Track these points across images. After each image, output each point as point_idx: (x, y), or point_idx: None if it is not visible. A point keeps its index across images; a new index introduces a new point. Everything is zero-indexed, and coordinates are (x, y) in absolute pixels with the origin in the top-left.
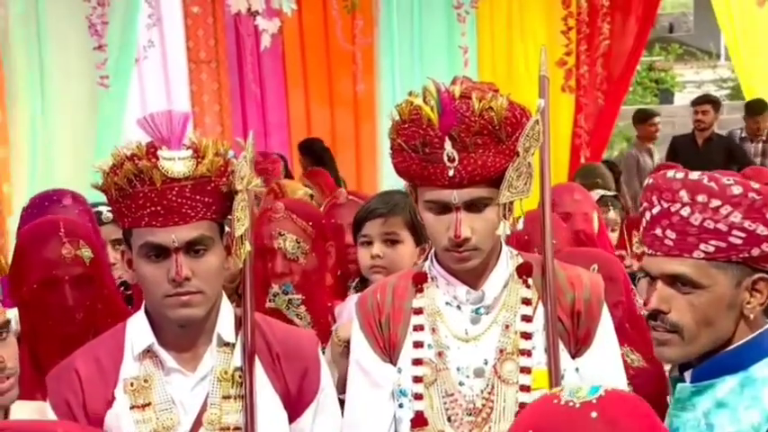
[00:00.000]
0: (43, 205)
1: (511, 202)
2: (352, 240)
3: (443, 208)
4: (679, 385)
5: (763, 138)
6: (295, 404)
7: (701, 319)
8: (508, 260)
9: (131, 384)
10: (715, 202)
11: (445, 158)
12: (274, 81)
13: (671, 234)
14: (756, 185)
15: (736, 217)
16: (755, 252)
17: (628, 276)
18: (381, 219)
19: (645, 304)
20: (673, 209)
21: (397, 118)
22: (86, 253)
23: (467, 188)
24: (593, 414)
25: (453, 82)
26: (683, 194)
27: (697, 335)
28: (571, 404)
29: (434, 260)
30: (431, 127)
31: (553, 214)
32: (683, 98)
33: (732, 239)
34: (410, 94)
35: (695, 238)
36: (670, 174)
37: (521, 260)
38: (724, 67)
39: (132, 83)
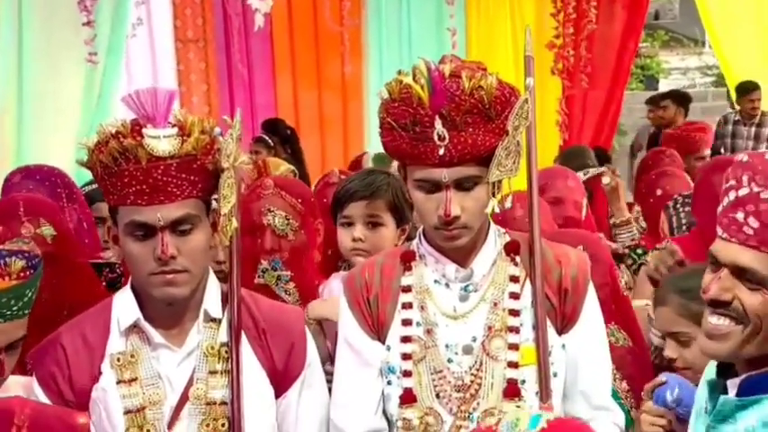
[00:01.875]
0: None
1: (499, 181)
2: None
3: (433, 186)
4: (722, 398)
5: (756, 121)
6: (281, 380)
7: (765, 317)
8: (496, 238)
9: (118, 359)
10: None
11: (435, 137)
12: (262, 61)
13: (753, 222)
14: None
15: None
16: None
17: (612, 258)
18: (364, 201)
19: (704, 292)
20: (763, 195)
21: (387, 96)
22: (47, 231)
23: (457, 167)
24: None
25: (442, 60)
26: None
27: (758, 333)
28: None
29: (423, 238)
30: (421, 106)
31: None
32: (668, 84)
33: None
34: (399, 72)
35: None
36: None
37: (508, 238)
38: (709, 54)
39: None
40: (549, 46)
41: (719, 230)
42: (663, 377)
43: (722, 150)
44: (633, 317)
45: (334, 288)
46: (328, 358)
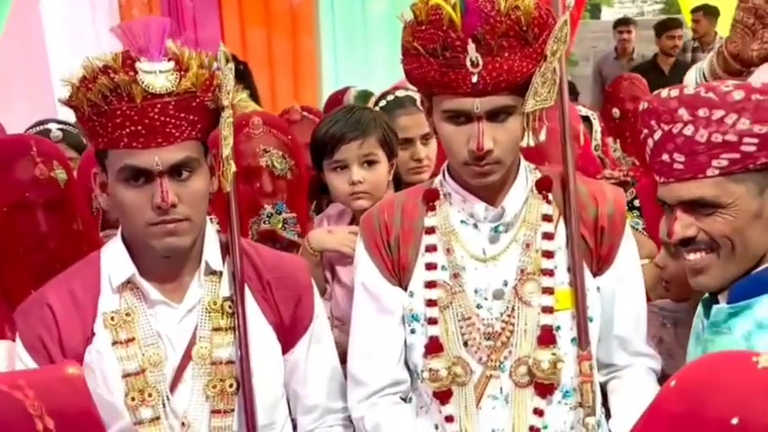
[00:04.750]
0: None
1: (534, 111)
2: (309, 161)
3: (463, 118)
4: (715, 307)
5: (713, 47)
6: (289, 334)
7: (735, 235)
8: (527, 174)
9: (112, 318)
10: (718, 113)
11: (468, 63)
12: None
13: (679, 157)
14: (758, 85)
15: (744, 123)
16: None
17: None
18: (357, 141)
19: (668, 236)
20: (675, 130)
21: (412, 19)
22: (61, 175)
23: (490, 96)
24: None
25: None
26: (683, 112)
27: (733, 251)
28: None
29: (447, 175)
30: (452, 28)
31: None
32: (613, 14)
33: (745, 148)
34: None
35: (705, 156)
36: (664, 93)
37: (539, 174)
38: None
39: None
40: None
41: (657, 177)
42: None
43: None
44: None
45: (332, 216)
46: (324, 293)
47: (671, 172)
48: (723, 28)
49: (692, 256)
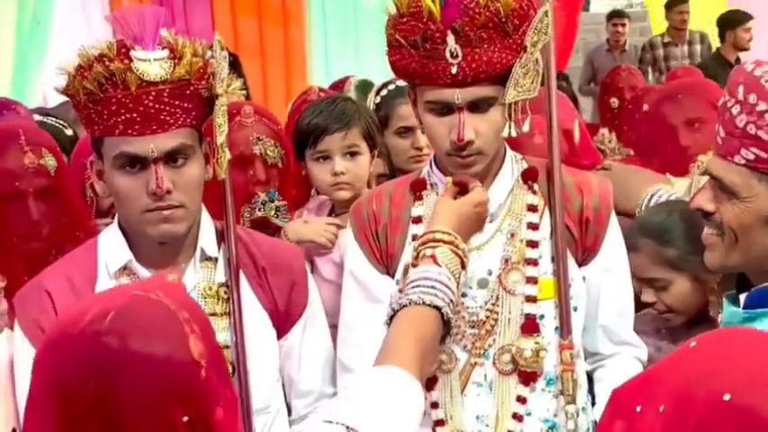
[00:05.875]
0: None
1: (516, 102)
2: None
3: (445, 109)
4: (729, 309)
5: (687, 38)
6: (283, 320)
7: (740, 230)
8: (513, 164)
9: None
10: (762, 106)
11: (447, 55)
12: None
13: (722, 132)
14: None
15: None
16: None
17: None
18: (341, 133)
19: (690, 200)
20: (729, 104)
21: (395, 12)
22: (50, 162)
23: (470, 87)
24: None
25: None
26: (740, 90)
27: (735, 244)
28: None
29: (434, 165)
30: (432, 20)
31: None
32: (602, 6)
33: None
34: None
35: (738, 141)
36: (748, 65)
37: (525, 165)
38: None
39: None
40: None
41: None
42: None
43: (649, 77)
44: None
45: (312, 209)
46: None
47: (714, 144)
48: (693, 21)
49: (706, 230)
